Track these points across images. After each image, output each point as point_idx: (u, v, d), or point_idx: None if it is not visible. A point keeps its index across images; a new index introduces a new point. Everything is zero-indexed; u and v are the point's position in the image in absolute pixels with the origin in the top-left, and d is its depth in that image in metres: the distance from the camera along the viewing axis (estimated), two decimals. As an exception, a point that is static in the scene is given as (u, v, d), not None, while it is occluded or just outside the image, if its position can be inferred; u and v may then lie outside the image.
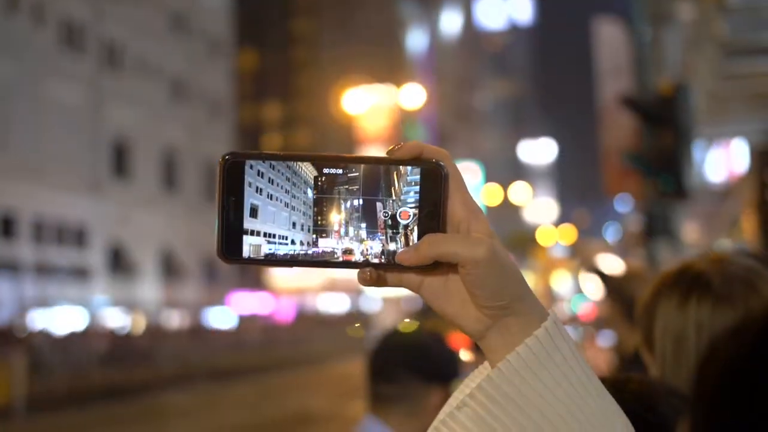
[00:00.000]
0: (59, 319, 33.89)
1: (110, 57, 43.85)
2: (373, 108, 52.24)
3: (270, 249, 0.91)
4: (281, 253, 0.91)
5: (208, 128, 52.71)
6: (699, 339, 1.59)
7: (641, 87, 13.73)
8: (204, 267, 51.22)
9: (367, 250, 0.91)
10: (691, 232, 25.61)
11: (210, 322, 43.17)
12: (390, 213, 0.91)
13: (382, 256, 0.91)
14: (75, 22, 41.06)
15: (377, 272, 0.91)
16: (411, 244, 0.90)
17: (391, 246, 0.91)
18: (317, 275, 60.57)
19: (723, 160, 20.71)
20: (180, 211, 48.93)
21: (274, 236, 0.91)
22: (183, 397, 21.84)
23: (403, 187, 0.91)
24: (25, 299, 35.13)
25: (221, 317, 45.10)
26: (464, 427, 0.87)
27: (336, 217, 0.91)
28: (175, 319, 42.09)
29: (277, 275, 61.00)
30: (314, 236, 0.91)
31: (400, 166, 0.91)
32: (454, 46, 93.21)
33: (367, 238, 0.91)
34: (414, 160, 0.90)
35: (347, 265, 0.91)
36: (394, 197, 0.91)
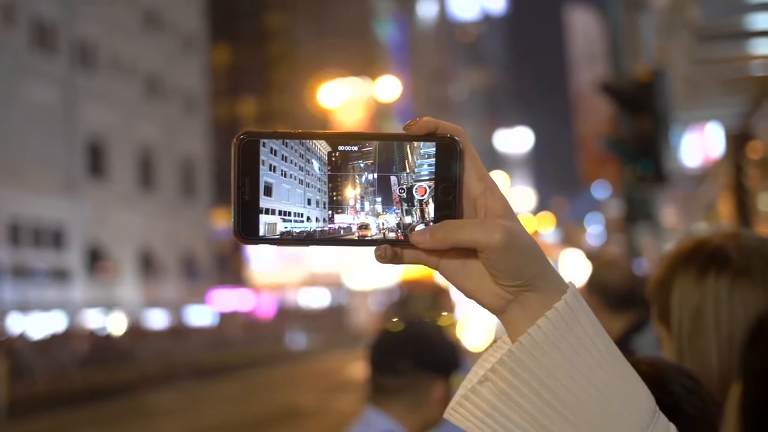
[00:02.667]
0: (39, 321, 33.69)
1: (83, 56, 43.51)
2: (348, 101, 52.21)
3: (286, 227, 0.91)
4: (297, 231, 0.91)
5: (184, 125, 52.48)
6: (717, 313, 1.59)
7: (617, 73, 13.79)
8: (184, 265, 51.04)
9: (383, 224, 0.91)
10: (668, 216, 25.80)
11: (191, 320, 43.07)
12: (405, 187, 0.91)
13: (399, 230, 0.91)
14: (46, 21, 40.70)
15: (394, 249, 0.90)
16: (426, 217, 0.90)
17: (407, 219, 0.91)
18: (297, 270, 60.56)
19: (698, 144, 20.84)
20: (158, 209, 48.71)
21: (289, 214, 0.91)
22: (167, 396, 21.78)
23: (417, 160, 0.91)
24: (3, 303, 34.85)
25: (202, 315, 45.02)
26: (487, 401, 0.88)
27: (351, 193, 0.91)
28: (156, 318, 41.96)
29: (257, 271, 60.87)
30: (330, 212, 0.91)
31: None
32: (429, 37, 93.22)
33: (382, 212, 0.91)
34: (429, 136, 0.90)
35: (365, 242, 0.91)
36: (408, 170, 0.91)
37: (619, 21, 14.07)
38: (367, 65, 64.11)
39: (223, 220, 64.31)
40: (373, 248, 0.91)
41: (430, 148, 0.90)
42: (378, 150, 0.91)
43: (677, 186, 20.18)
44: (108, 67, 45.30)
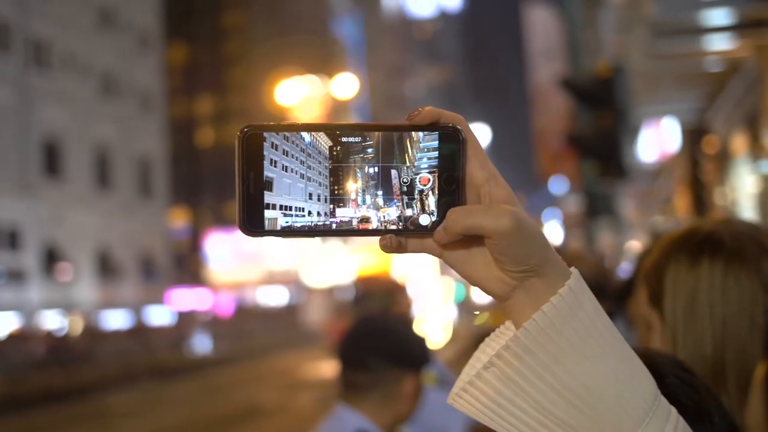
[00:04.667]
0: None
1: (37, 55, 42.87)
2: (305, 99, 52.04)
3: (287, 221, 0.91)
4: (298, 225, 0.91)
5: (140, 124, 51.96)
6: (711, 296, 1.61)
7: (575, 69, 13.91)
8: (141, 265, 50.57)
9: (384, 217, 0.91)
10: (627, 211, 26.05)
11: (150, 320, 42.71)
12: (406, 179, 0.91)
13: (400, 223, 0.91)
14: (-1, 20, 40.10)
15: (398, 239, 0.91)
16: (427, 209, 0.91)
17: (408, 212, 0.91)
18: (255, 268, 60.32)
19: (654, 139, 21.05)
20: (115, 209, 48.20)
21: (290, 208, 0.91)
22: (127, 397, 21.59)
23: (417, 153, 0.91)
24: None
25: (161, 314, 44.67)
26: (492, 386, 0.88)
27: (352, 186, 0.91)
28: (114, 319, 41.54)
29: (215, 270, 60.52)
30: (331, 206, 0.91)
31: (413, 133, 0.91)
32: (385, 34, 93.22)
33: (384, 205, 0.91)
34: (431, 126, 0.91)
35: (370, 232, 0.92)
36: (408, 164, 0.91)
37: (577, 17, 14.18)
38: (324, 63, 63.97)
39: (180, 219, 63.86)
40: (377, 238, 0.92)
41: (429, 142, 0.91)
42: (378, 143, 0.91)
43: (634, 181, 20.39)
44: (63, 66, 44.70)
